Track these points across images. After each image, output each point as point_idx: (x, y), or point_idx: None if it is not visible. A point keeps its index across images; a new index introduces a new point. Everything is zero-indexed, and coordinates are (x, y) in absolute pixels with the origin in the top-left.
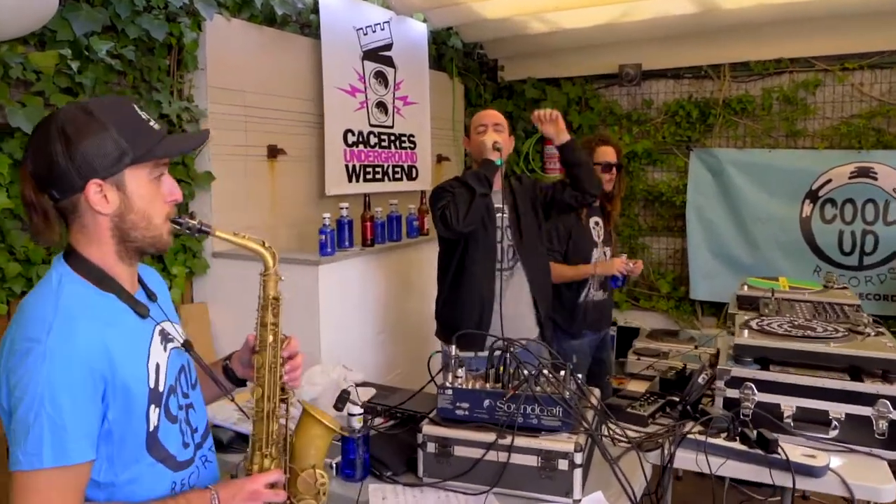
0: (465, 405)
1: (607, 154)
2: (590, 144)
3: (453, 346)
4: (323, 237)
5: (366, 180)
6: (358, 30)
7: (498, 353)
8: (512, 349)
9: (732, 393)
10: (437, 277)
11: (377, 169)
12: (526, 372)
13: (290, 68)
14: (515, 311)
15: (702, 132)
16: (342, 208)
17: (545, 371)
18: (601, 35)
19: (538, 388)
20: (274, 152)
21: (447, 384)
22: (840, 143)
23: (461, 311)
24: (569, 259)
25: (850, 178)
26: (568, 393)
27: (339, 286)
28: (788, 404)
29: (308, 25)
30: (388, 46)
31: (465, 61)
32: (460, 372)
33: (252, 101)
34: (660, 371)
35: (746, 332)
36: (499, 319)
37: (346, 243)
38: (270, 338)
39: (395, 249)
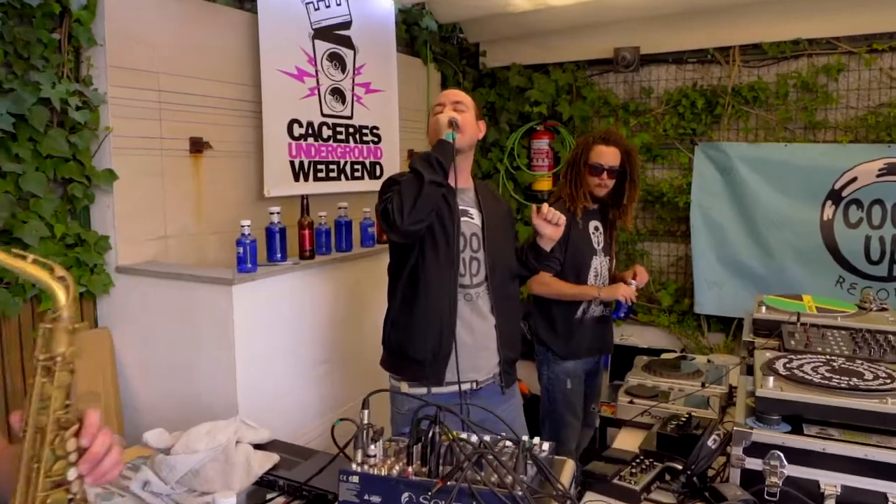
0: (377, 499)
1: (601, 156)
2: (587, 143)
3: (403, 383)
4: (241, 250)
5: (317, 179)
6: (307, 3)
7: (426, 421)
8: (442, 421)
9: (754, 463)
10: (388, 292)
11: (332, 166)
12: (468, 448)
13: (219, 46)
14: (480, 341)
15: (708, 124)
16: (273, 213)
17: (490, 452)
18: (594, 14)
19: (479, 477)
20: (198, 146)
21: (353, 466)
22: (867, 136)
23: (412, 336)
24: (564, 269)
25: (878, 175)
26: (520, 490)
27: (265, 309)
28: (830, 482)
29: None
30: (346, 24)
31: (443, 46)
32: (373, 448)
33: (169, 84)
34: (657, 418)
35: (772, 379)
36: (464, 350)
37: (278, 256)
38: (49, 419)
39: (345, 262)
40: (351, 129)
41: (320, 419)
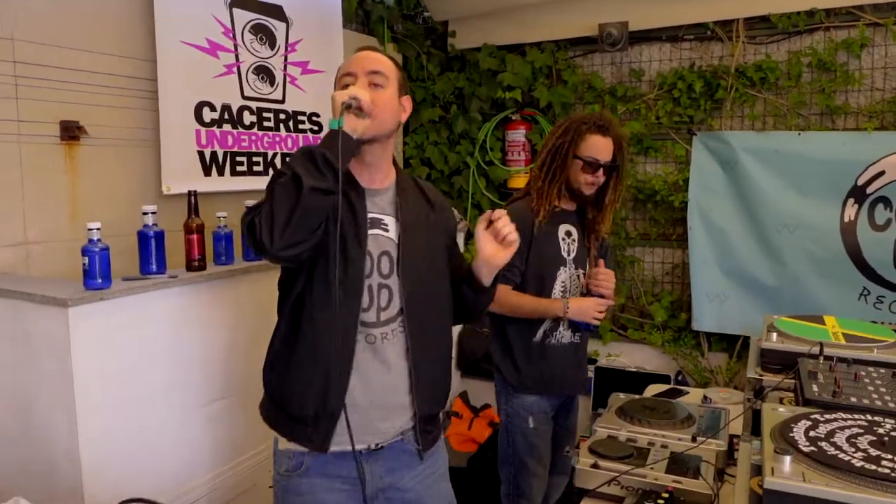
0: None
1: (597, 148)
2: (579, 129)
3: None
4: (86, 260)
5: (237, 173)
6: None
7: None
8: None
9: None
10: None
11: (255, 158)
12: None
13: (101, 10)
14: (381, 398)
15: (708, 111)
16: (146, 213)
17: None
18: None
19: None
20: (71, 131)
21: None
22: (895, 122)
23: (290, 387)
24: (524, 282)
25: None
26: None
27: (125, 335)
28: None
29: None
30: None
31: (405, 25)
32: None
33: (29, 55)
34: (630, 490)
35: (789, 461)
36: (357, 411)
37: (153, 267)
38: None
39: (249, 273)
40: (282, 116)
41: (212, 471)
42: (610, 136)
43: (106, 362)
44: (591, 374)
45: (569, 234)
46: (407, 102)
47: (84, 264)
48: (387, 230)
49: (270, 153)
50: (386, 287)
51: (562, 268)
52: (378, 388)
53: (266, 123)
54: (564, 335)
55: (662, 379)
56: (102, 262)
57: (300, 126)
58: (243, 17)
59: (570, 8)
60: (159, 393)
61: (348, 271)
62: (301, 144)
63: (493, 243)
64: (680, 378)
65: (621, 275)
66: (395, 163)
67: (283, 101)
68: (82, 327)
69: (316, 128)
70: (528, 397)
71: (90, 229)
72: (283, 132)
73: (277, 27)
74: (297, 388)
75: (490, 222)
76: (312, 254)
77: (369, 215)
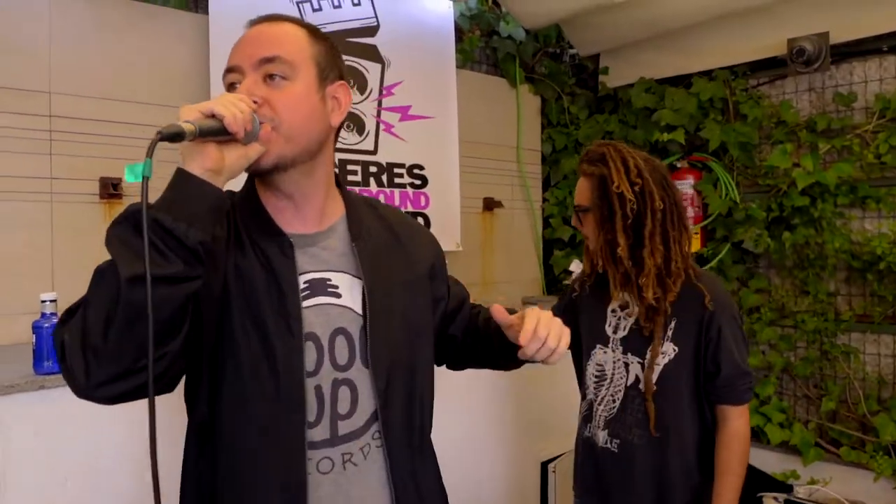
0: None
1: (578, 191)
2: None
3: None
4: (33, 339)
5: None
6: (299, 3)
7: None
8: None
9: None
10: None
11: None
12: None
13: (154, 58)
14: None
15: None
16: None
17: None
18: None
19: None
20: (111, 188)
21: None
22: None
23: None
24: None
25: None
26: None
27: (69, 434)
28: None
29: None
30: (370, 30)
31: (545, 62)
32: None
33: (65, 107)
34: None
35: None
36: None
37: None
38: None
39: None
40: (373, 168)
41: None
42: (587, 174)
43: (42, 462)
44: None
45: (625, 306)
46: (341, 91)
47: (33, 342)
48: (338, 295)
49: None
50: (346, 383)
51: (597, 346)
52: None
53: (352, 178)
54: (599, 434)
55: None
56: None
57: (396, 180)
58: None
59: (748, 24)
60: None
61: (275, 372)
62: (398, 201)
63: (543, 349)
64: None
65: (832, 371)
66: (338, 183)
67: (374, 152)
68: (15, 420)
69: (418, 182)
70: None
71: (43, 301)
72: (373, 187)
73: (369, 69)
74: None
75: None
76: (208, 357)
77: (305, 277)
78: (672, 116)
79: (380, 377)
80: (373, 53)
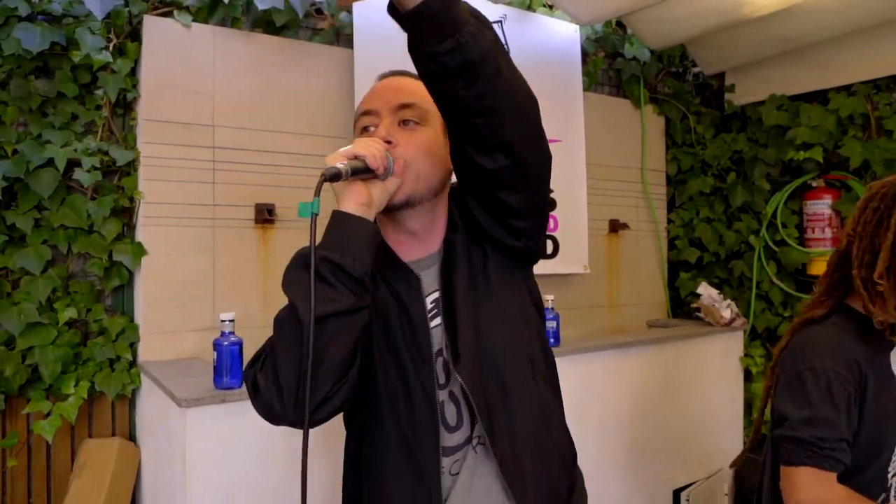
0: None
1: None
2: None
3: None
4: (214, 356)
5: None
6: None
7: None
8: None
9: None
10: None
11: None
12: None
13: (302, 91)
14: None
15: None
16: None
17: None
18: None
19: None
20: (266, 214)
21: None
22: None
23: None
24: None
25: None
26: None
27: (245, 443)
28: None
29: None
30: None
31: (668, 82)
32: None
33: (228, 139)
34: None
35: None
36: None
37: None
38: None
39: None
40: None
41: None
42: None
43: (222, 471)
44: None
45: None
46: (436, 140)
47: (214, 358)
48: (434, 318)
49: None
50: (450, 396)
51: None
52: None
53: None
54: None
55: None
56: (233, 357)
57: None
58: None
59: (887, 34)
60: None
61: (413, 390)
62: None
63: None
64: None
65: None
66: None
67: None
68: (198, 430)
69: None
70: None
71: (223, 321)
72: None
73: None
74: None
75: None
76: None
77: (431, 297)
78: (809, 134)
79: (466, 389)
80: None
